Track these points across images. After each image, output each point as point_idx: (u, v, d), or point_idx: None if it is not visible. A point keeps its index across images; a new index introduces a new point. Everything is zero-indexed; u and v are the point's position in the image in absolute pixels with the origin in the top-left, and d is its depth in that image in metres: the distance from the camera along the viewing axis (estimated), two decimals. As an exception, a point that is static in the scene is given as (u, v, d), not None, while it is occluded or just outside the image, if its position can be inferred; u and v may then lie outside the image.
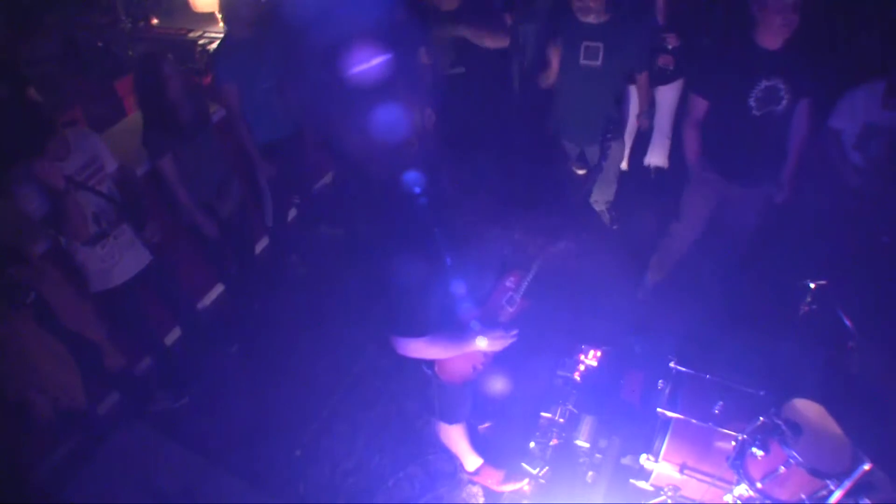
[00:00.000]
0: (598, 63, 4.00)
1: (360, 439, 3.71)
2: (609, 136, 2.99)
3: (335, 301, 4.40)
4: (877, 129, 3.89)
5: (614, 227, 5.02)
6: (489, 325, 2.64)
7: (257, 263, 4.85)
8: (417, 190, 2.35)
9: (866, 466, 2.17)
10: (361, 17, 3.79)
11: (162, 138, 3.56)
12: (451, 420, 3.15)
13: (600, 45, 3.96)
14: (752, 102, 3.39)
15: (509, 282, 2.74)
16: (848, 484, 2.27)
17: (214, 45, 4.73)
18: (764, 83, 3.34)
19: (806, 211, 3.87)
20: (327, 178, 5.65)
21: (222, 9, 4.07)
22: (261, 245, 5.05)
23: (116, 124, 4.41)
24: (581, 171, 5.17)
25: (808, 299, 2.98)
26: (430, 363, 2.72)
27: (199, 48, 4.81)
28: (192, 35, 4.99)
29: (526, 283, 2.75)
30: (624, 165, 5.28)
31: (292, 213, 5.11)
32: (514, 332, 2.67)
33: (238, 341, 4.38)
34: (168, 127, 3.53)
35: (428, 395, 2.99)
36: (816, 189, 3.83)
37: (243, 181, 4.32)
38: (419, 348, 2.48)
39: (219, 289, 4.77)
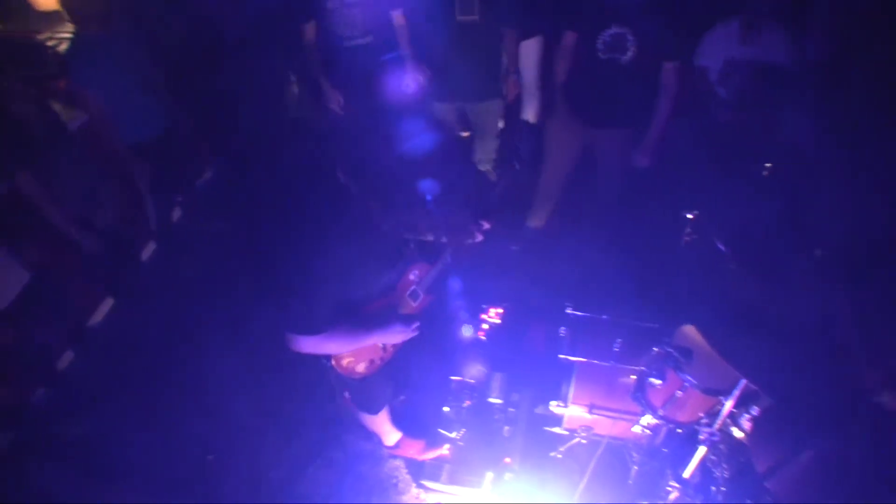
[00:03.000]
0: (476, 17, 3.97)
1: (272, 433, 3.64)
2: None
3: (228, 299, 4.27)
4: (737, 64, 4.08)
5: (500, 182, 5.09)
6: (389, 317, 2.58)
7: (146, 270, 4.64)
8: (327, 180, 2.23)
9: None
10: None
11: (12, 156, 3.28)
12: (375, 410, 3.11)
13: None
14: (599, 44, 3.51)
15: (413, 275, 2.66)
16: (735, 394, 2.39)
17: (65, 47, 4.43)
18: (614, 29, 3.46)
19: (679, 146, 4.03)
20: (208, 174, 5.45)
21: (66, 4, 3.81)
22: (148, 251, 4.83)
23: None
24: (465, 134, 5.19)
25: (688, 230, 3.11)
26: (328, 356, 2.65)
27: (50, 51, 4.49)
28: (40, 37, 4.65)
29: (431, 278, 2.70)
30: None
31: (177, 213, 4.90)
32: (416, 325, 2.62)
33: (136, 354, 4.18)
34: (17, 143, 3.27)
35: (338, 386, 2.97)
36: (688, 125, 3.99)
37: (120, 186, 4.10)
38: (315, 345, 2.36)
39: (109, 303, 4.53)
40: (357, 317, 2.47)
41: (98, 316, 4.45)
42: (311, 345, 2.33)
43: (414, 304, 2.70)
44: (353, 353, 2.63)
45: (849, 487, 2.22)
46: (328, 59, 4.29)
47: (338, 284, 2.24)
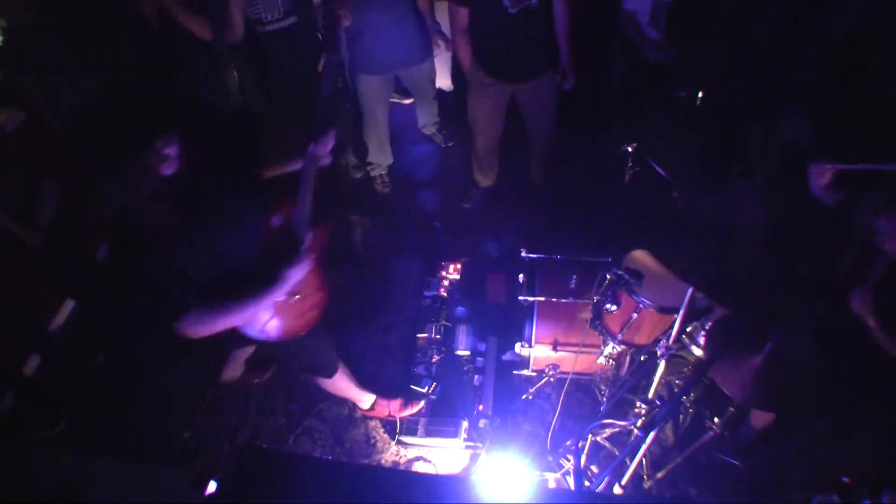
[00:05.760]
0: None
1: (250, 408, 3.66)
2: None
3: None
4: (665, 4, 4.16)
5: (450, 144, 5.14)
6: (274, 268, 2.39)
7: (103, 266, 4.58)
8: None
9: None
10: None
11: None
12: (328, 373, 3.11)
13: None
14: (505, 1, 3.51)
15: (275, 220, 2.45)
16: (684, 308, 2.47)
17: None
18: None
19: (613, 86, 4.11)
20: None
21: None
22: (104, 247, 4.76)
23: None
24: (407, 101, 5.22)
25: (630, 163, 3.19)
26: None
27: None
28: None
29: (302, 211, 2.45)
30: (449, 86, 5.39)
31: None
32: (306, 254, 2.44)
33: (103, 349, 4.13)
34: None
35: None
36: (622, 67, 4.07)
37: (64, 182, 4.03)
38: (195, 327, 2.23)
39: (70, 303, 4.46)
40: (240, 283, 2.33)
41: (60, 317, 4.38)
42: (192, 329, 2.23)
43: (308, 244, 2.50)
44: (277, 316, 2.53)
45: (799, 386, 2.33)
46: (250, 46, 4.18)
47: (191, 263, 2.16)
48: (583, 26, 3.97)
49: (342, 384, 3.27)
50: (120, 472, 2.56)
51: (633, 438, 3.03)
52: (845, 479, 2.48)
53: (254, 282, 2.34)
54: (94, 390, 3.89)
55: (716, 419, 2.82)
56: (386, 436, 3.47)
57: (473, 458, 3.30)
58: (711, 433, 2.79)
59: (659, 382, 2.86)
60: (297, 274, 2.42)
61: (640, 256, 2.90)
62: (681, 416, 3.28)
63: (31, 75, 3.63)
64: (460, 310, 3.71)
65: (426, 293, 3.85)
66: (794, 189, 2.93)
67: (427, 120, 5.04)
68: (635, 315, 2.78)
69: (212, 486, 1.90)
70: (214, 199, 2.27)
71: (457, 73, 5.38)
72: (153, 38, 3.58)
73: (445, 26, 4.81)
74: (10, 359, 3.92)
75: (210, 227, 2.27)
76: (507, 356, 3.49)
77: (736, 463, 3.14)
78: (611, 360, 3.16)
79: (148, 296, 2.24)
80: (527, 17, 3.56)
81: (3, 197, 3.47)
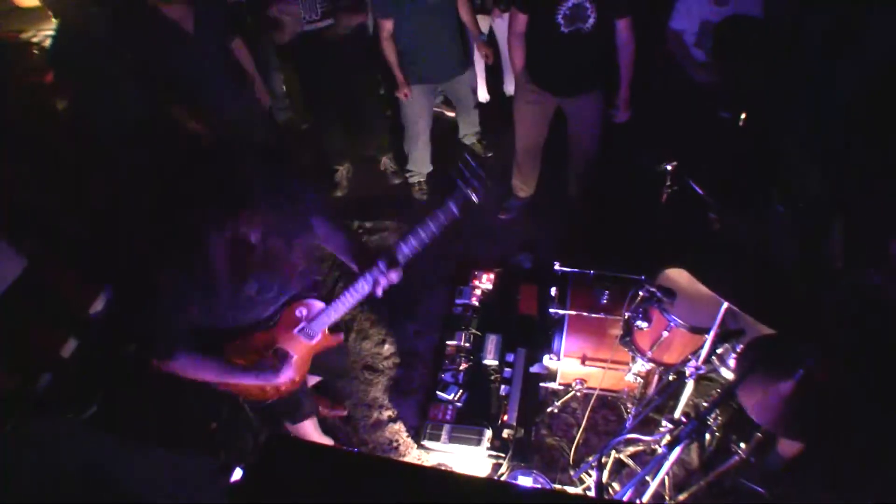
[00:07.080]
0: None
1: (279, 404, 3.69)
2: None
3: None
4: (712, 26, 4.15)
5: (489, 154, 5.17)
6: (262, 359, 2.39)
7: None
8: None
9: (725, 306, 2.35)
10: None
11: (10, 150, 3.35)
12: (294, 419, 2.97)
13: None
14: (559, 19, 3.53)
15: (299, 311, 2.39)
16: (715, 329, 2.45)
17: (49, 42, 4.49)
18: (571, 1, 3.46)
19: (656, 103, 4.10)
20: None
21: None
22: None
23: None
24: (451, 114, 5.26)
25: (668, 182, 3.18)
26: None
27: (35, 47, 4.55)
28: (24, 36, 4.74)
29: (328, 317, 2.38)
30: (485, 97, 5.45)
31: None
32: (289, 367, 2.39)
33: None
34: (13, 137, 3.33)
35: None
36: (665, 85, 4.06)
37: (106, 174, 4.14)
38: (182, 366, 2.20)
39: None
40: (220, 348, 2.33)
41: (99, 304, 4.49)
42: (178, 366, 2.20)
43: (310, 343, 2.47)
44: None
45: (829, 415, 2.29)
46: (290, 46, 4.22)
47: (177, 308, 2.04)
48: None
49: (305, 432, 3.10)
50: (146, 456, 2.63)
51: (656, 456, 3.01)
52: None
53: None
54: (126, 377, 3.98)
55: (742, 444, 2.78)
56: (409, 440, 3.49)
57: (496, 467, 3.30)
58: (737, 458, 2.75)
59: (686, 403, 2.84)
60: (288, 374, 2.41)
61: (674, 275, 2.88)
62: (707, 439, 3.24)
63: (79, 80, 3.73)
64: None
65: (457, 301, 3.88)
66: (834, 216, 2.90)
67: (468, 130, 5.08)
68: (666, 333, 2.77)
69: (237, 474, 1.93)
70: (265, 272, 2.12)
71: (492, 85, 5.45)
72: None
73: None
74: (49, 341, 4.03)
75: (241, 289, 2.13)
76: (534, 368, 3.48)
77: (762, 491, 3.08)
78: (639, 378, 3.14)
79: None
80: (578, 39, 3.58)
81: (54, 185, 3.58)
